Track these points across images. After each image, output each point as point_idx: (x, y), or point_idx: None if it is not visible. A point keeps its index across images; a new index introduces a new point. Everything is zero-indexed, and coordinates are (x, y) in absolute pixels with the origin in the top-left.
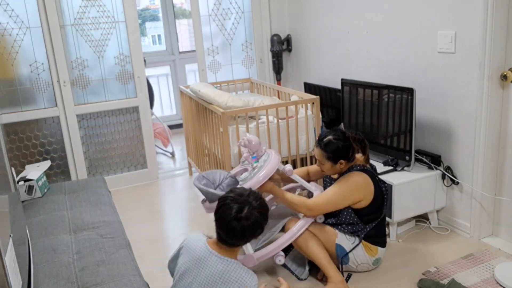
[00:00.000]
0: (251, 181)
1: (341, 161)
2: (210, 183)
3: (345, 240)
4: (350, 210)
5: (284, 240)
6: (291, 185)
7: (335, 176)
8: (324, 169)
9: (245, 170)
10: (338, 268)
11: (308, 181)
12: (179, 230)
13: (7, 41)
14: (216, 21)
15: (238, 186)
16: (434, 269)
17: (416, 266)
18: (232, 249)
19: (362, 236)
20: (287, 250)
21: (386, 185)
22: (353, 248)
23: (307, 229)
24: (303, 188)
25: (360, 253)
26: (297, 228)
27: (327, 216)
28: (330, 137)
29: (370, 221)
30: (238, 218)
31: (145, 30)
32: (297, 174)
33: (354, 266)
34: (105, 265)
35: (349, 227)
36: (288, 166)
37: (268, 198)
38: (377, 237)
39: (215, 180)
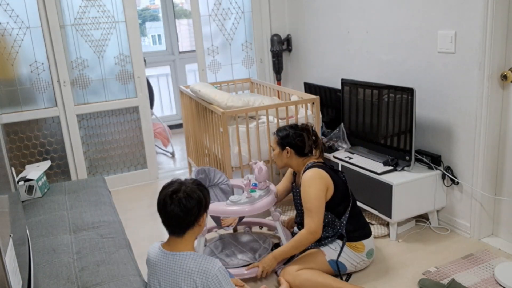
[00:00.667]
0: (236, 208)
1: (288, 148)
2: (206, 180)
3: (333, 253)
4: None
5: (241, 273)
6: (250, 219)
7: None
8: (274, 157)
9: (242, 188)
10: (341, 278)
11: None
12: None
13: (7, 41)
14: (216, 21)
15: (225, 204)
16: (434, 269)
17: (416, 266)
18: (184, 239)
19: (344, 231)
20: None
21: (344, 173)
22: (341, 251)
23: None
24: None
25: (351, 255)
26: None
27: None
28: (287, 126)
29: (342, 212)
30: (176, 199)
31: (145, 30)
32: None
33: (353, 268)
34: (105, 265)
35: (329, 229)
36: (278, 212)
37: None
38: (358, 230)
39: (213, 178)
